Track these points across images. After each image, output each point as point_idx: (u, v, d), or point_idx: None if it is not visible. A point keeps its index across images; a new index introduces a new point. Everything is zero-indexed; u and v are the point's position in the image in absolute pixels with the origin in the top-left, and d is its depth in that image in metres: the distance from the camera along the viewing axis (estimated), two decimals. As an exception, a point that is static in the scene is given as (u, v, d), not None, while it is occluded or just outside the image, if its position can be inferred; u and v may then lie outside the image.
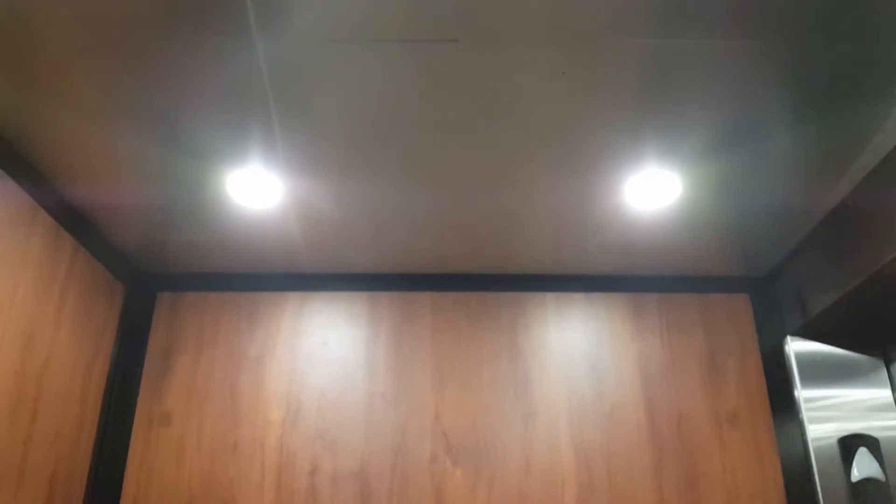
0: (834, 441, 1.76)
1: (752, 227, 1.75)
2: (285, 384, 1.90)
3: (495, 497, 1.79)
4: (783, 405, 1.87)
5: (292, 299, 1.99)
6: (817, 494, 1.72)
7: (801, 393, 1.82)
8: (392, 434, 1.85)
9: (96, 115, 1.33)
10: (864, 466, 1.72)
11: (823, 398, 1.81)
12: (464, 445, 1.84)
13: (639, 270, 1.99)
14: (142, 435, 1.84)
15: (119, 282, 1.92)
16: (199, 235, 1.78)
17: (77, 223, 1.68)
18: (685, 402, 1.89)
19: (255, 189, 1.55)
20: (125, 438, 1.84)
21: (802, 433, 1.80)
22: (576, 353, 1.94)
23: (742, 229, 1.76)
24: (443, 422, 1.86)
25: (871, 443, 1.74)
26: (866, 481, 1.71)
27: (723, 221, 1.72)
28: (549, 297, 2.00)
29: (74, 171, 1.52)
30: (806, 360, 1.85)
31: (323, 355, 1.93)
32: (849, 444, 1.75)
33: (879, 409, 1.79)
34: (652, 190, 1.56)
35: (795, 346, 1.87)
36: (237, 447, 1.83)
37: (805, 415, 1.80)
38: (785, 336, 1.89)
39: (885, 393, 1.80)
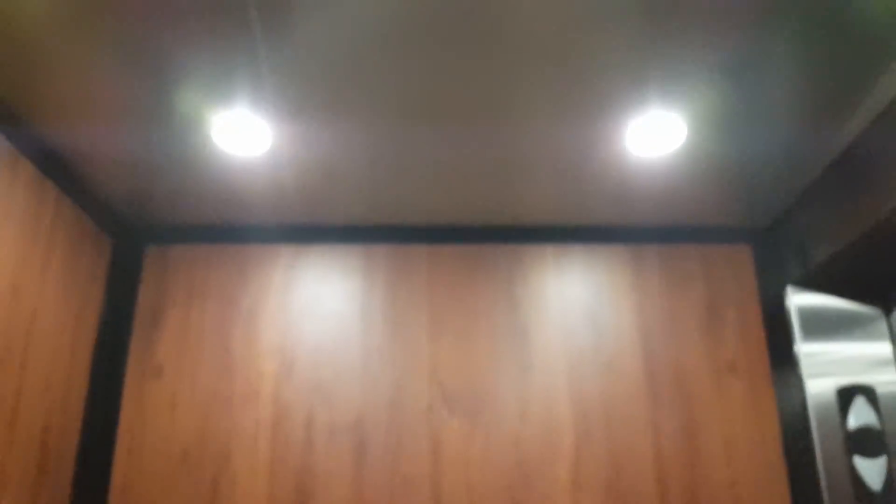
0: (832, 392, 1.75)
1: (756, 174, 1.71)
2: (279, 337, 1.87)
3: (492, 447, 1.79)
4: (782, 356, 1.86)
5: (285, 251, 1.95)
6: (814, 443, 1.73)
7: (801, 347, 1.80)
8: (388, 386, 1.83)
9: (76, 55, 1.27)
10: (860, 415, 1.72)
11: (823, 353, 1.79)
12: (460, 396, 1.83)
13: (639, 220, 1.95)
14: (135, 388, 1.82)
15: (106, 234, 1.88)
16: (187, 185, 1.73)
17: (60, 172, 1.62)
18: (684, 353, 1.88)
19: (243, 135, 1.50)
20: (117, 391, 1.82)
21: (801, 384, 1.79)
22: (574, 305, 1.92)
23: (746, 176, 1.72)
24: (439, 373, 1.85)
25: (868, 392, 1.74)
26: (862, 429, 1.71)
27: (726, 168, 1.68)
28: (548, 249, 1.97)
29: (55, 116, 1.46)
30: (806, 313, 1.83)
31: (317, 308, 1.90)
32: (846, 394, 1.75)
33: (878, 363, 1.78)
34: (655, 134, 1.52)
35: (796, 299, 1.85)
36: (231, 400, 1.81)
37: (804, 369, 1.79)
38: (786, 286, 1.87)
39: (884, 347, 1.79)
